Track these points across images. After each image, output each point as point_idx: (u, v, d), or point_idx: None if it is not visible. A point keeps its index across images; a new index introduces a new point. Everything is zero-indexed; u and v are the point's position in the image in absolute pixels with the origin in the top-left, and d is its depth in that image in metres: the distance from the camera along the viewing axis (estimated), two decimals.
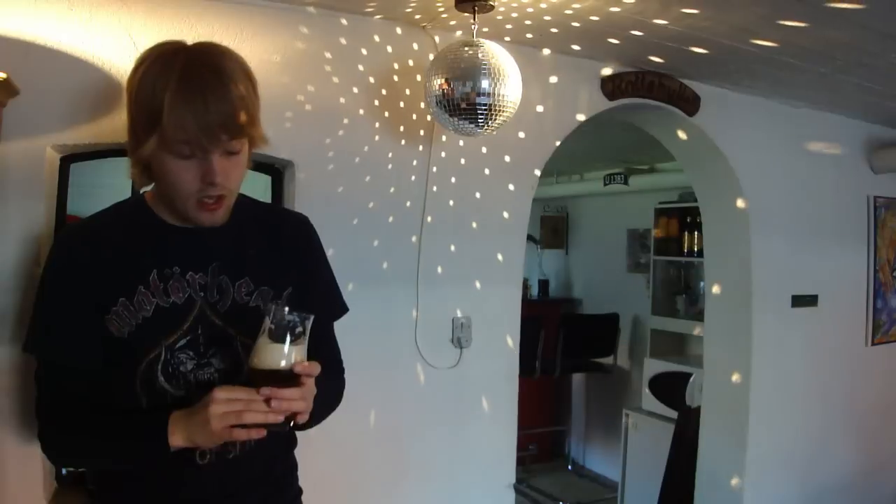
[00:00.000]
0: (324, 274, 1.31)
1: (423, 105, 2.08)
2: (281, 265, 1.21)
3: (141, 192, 1.20)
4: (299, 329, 1.05)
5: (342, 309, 1.34)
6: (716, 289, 3.00)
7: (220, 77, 1.02)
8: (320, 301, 1.17)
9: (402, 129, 2.10)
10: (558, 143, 2.37)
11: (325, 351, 1.17)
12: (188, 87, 1.00)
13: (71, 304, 1.10)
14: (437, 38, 2.12)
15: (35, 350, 1.14)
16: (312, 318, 1.07)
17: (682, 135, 2.79)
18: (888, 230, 3.38)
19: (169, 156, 1.03)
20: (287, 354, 1.04)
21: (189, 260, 1.13)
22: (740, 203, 2.82)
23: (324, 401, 1.15)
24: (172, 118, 0.99)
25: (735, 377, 2.88)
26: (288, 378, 1.04)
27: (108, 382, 1.13)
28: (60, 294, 1.11)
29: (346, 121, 2.01)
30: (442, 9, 1.93)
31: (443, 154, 2.16)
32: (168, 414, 1.06)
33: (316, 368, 1.06)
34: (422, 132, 2.13)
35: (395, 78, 2.08)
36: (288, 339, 1.04)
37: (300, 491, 1.33)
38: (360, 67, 2.02)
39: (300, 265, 1.24)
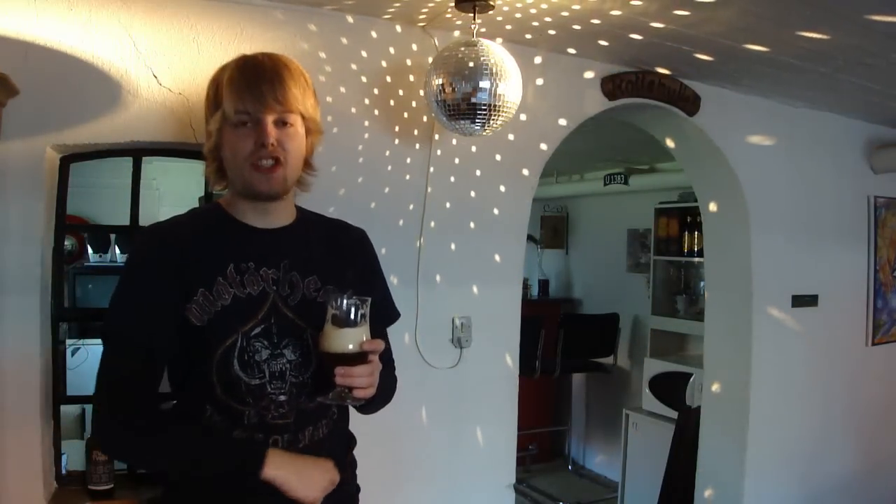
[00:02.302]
0: (379, 282, 1.42)
1: (424, 105, 2.08)
2: (342, 269, 1.31)
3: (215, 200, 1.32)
4: (361, 311, 1.16)
5: (395, 315, 1.46)
6: (715, 289, 3.00)
7: (275, 62, 1.19)
8: (375, 308, 1.23)
9: (402, 130, 2.10)
10: (558, 144, 2.37)
11: (381, 353, 1.25)
12: (245, 65, 1.18)
13: (144, 297, 1.17)
14: (436, 39, 2.12)
15: (106, 337, 1.19)
16: (370, 300, 1.18)
17: (682, 135, 2.79)
18: (888, 230, 3.38)
19: (229, 127, 1.17)
20: (353, 336, 1.15)
21: (263, 257, 1.23)
22: (740, 203, 2.81)
23: (383, 388, 1.25)
24: (230, 89, 1.16)
25: (735, 377, 2.88)
26: (356, 357, 1.15)
27: (184, 371, 1.20)
28: (134, 289, 1.19)
29: (344, 121, 2.01)
30: (442, 9, 1.93)
31: (443, 155, 2.16)
32: (264, 447, 1.14)
33: (380, 345, 1.18)
34: (422, 133, 2.13)
35: (394, 78, 2.08)
36: (351, 322, 1.15)
37: (358, 488, 1.40)
38: (355, 67, 2.02)
39: (358, 272, 1.35)
